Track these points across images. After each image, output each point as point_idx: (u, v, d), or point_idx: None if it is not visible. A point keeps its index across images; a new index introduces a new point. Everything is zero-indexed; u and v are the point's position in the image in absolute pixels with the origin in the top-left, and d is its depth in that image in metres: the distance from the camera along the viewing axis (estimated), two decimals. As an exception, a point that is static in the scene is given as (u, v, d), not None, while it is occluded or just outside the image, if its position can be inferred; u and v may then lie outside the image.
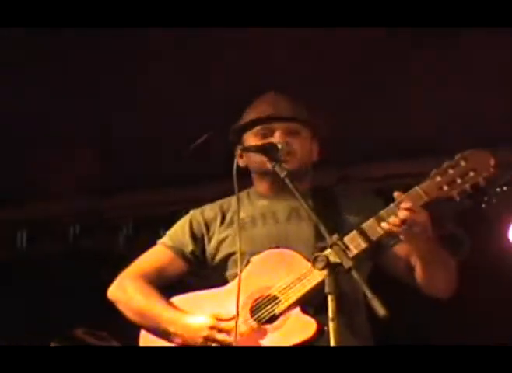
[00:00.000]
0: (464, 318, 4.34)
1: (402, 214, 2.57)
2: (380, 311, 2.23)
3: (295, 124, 2.94)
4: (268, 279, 2.77)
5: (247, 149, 2.90)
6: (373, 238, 2.66)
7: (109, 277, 3.02)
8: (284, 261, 2.78)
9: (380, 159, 4.53)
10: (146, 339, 2.90)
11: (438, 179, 2.60)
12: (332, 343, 2.27)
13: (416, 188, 2.62)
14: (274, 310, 2.72)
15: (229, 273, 2.90)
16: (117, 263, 3.06)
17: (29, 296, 4.96)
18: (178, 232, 3.04)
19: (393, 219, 2.59)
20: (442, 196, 2.60)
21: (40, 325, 4.75)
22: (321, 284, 2.55)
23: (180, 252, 2.99)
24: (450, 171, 2.59)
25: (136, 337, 2.94)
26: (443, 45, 3.64)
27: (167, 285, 3.00)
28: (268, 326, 2.73)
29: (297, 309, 2.70)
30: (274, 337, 2.70)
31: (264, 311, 2.74)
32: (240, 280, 2.62)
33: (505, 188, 4.02)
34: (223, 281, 2.91)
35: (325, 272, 2.35)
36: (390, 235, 2.68)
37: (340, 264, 2.34)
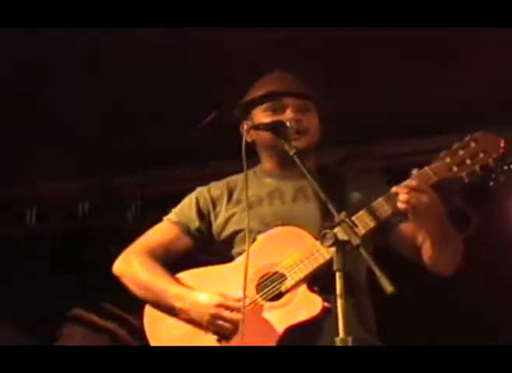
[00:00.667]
0: (470, 296, 4.35)
1: (407, 192, 2.58)
2: (388, 288, 2.24)
3: (306, 101, 2.93)
4: (275, 256, 2.76)
5: (256, 127, 2.88)
6: (382, 217, 2.68)
7: (118, 254, 3.03)
8: (291, 239, 2.78)
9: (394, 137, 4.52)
10: (151, 315, 2.89)
11: (448, 160, 2.62)
12: (340, 319, 2.27)
13: (426, 168, 2.63)
14: (280, 287, 2.72)
15: (235, 250, 2.90)
16: (125, 240, 3.06)
17: (39, 273, 4.99)
18: (184, 209, 3.03)
19: (402, 197, 2.60)
20: (451, 177, 2.62)
21: (50, 301, 4.79)
22: (328, 262, 2.58)
23: (185, 229, 2.98)
24: (460, 152, 2.61)
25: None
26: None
27: (175, 262, 2.99)
28: (274, 303, 2.72)
29: (304, 287, 2.70)
30: (280, 314, 2.70)
31: (270, 288, 2.74)
32: (247, 257, 2.61)
33: (513, 166, 4.01)
34: (230, 258, 2.90)
35: (333, 250, 2.35)
36: (398, 213, 2.69)
37: (348, 242, 2.35)
